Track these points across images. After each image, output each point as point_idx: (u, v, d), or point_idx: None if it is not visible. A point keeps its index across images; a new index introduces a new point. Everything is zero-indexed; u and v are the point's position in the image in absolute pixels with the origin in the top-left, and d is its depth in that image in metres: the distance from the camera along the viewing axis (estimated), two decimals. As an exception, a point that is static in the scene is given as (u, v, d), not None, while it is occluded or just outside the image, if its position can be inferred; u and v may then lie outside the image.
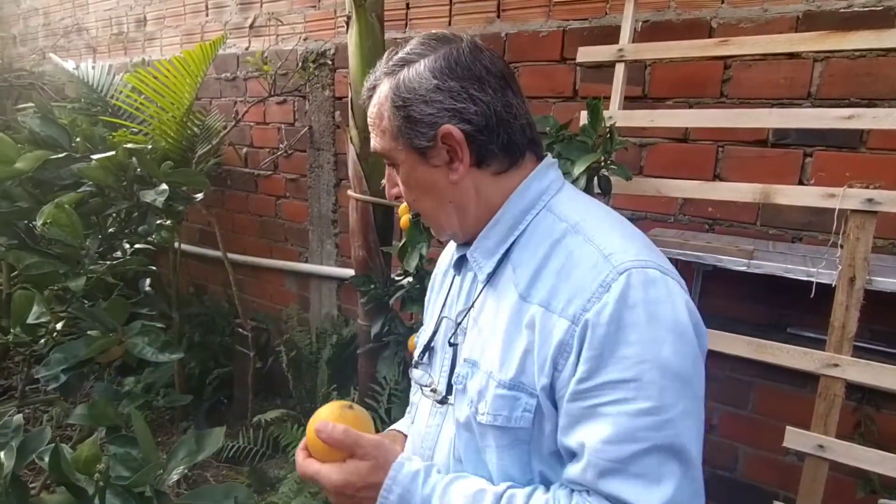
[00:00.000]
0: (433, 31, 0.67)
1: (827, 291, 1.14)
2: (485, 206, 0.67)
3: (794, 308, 1.44)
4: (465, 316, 0.70)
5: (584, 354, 0.56)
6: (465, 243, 0.71)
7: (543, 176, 0.67)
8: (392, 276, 1.78)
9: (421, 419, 0.75)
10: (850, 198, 1.10)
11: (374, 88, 0.67)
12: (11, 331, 1.27)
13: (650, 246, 0.63)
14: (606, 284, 0.56)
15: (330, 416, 0.65)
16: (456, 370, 0.69)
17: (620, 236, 0.61)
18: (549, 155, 0.71)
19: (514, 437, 0.62)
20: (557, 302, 0.59)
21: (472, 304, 0.70)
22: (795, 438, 1.17)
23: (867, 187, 1.09)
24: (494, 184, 0.66)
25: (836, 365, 1.12)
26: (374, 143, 0.68)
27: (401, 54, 0.66)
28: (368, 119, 0.68)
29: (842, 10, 1.35)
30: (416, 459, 0.65)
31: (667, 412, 0.54)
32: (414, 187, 0.67)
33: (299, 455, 0.66)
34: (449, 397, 0.69)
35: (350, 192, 1.82)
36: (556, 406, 0.60)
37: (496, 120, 0.63)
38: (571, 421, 0.58)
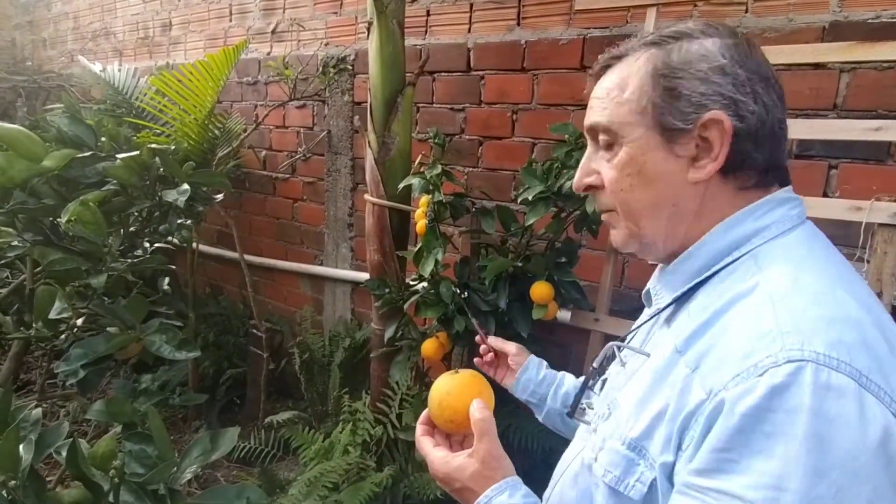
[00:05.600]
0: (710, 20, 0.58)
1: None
2: (699, 226, 0.56)
3: (816, 323, 1.41)
4: (623, 349, 0.63)
5: (708, 442, 0.44)
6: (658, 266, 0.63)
7: (764, 213, 0.54)
8: (407, 280, 1.78)
9: (574, 438, 0.69)
10: (878, 211, 1.08)
11: (619, 57, 0.58)
12: (34, 325, 1.29)
13: (871, 343, 0.44)
14: (762, 367, 0.43)
15: (458, 387, 0.69)
16: (597, 406, 0.64)
17: (820, 311, 0.45)
18: (790, 187, 0.57)
19: None
20: (705, 366, 0.48)
21: (633, 336, 0.65)
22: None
23: (896, 201, 1.07)
24: (729, 204, 0.55)
25: (861, 382, 1.09)
26: (597, 115, 0.58)
27: (674, 28, 0.56)
28: (597, 90, 0.59)
29: (870, 21, 1.32)
30: (521, 493, 0.60)
31: None
32: (634, 174, 0.56)
33: (419, 429, 0.70)
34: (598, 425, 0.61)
35: (367, 196, 1.83)
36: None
37: (769, 130, 0.53)
38: None
